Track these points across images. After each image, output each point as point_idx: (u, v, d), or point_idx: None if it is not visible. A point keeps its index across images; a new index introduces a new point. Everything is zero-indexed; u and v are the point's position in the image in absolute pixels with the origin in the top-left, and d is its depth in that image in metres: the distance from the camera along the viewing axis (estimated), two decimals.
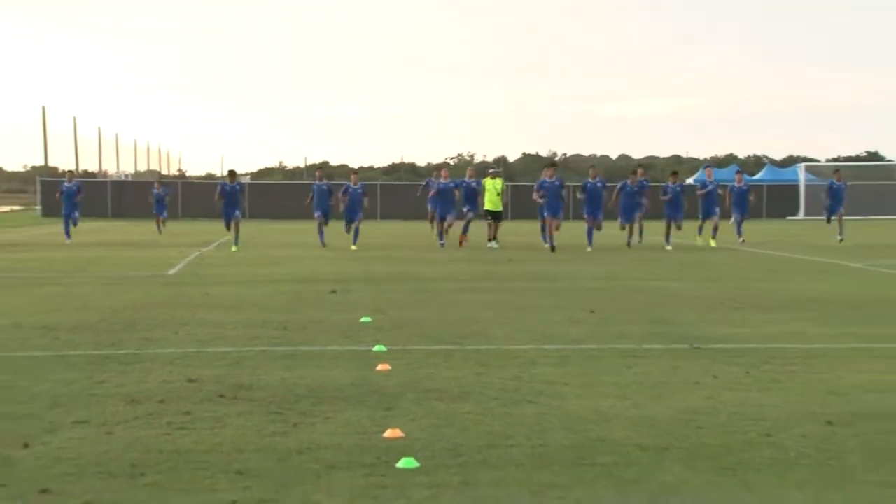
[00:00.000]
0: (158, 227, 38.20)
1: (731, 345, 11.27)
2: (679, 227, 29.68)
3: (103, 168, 67.16)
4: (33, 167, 63.29)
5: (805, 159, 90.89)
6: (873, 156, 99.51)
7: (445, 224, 29.41)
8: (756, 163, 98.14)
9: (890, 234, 38.02)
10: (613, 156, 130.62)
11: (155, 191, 39.28)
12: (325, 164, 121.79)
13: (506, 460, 6.60)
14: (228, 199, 28.35)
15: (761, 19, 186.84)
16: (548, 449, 6.87)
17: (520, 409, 8.07)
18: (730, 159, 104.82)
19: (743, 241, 30.94)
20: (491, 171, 31.30)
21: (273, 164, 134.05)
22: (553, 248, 26.68)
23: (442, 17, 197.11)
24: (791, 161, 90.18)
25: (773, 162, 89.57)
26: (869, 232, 39.41)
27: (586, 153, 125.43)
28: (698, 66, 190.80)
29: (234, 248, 27.22)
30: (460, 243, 28.99)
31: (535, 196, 27.32)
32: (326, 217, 29.34)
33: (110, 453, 6.79)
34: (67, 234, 32.17)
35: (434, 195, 30.07)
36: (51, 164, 61.75)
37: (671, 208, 29.47)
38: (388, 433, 7.23)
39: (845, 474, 6.32)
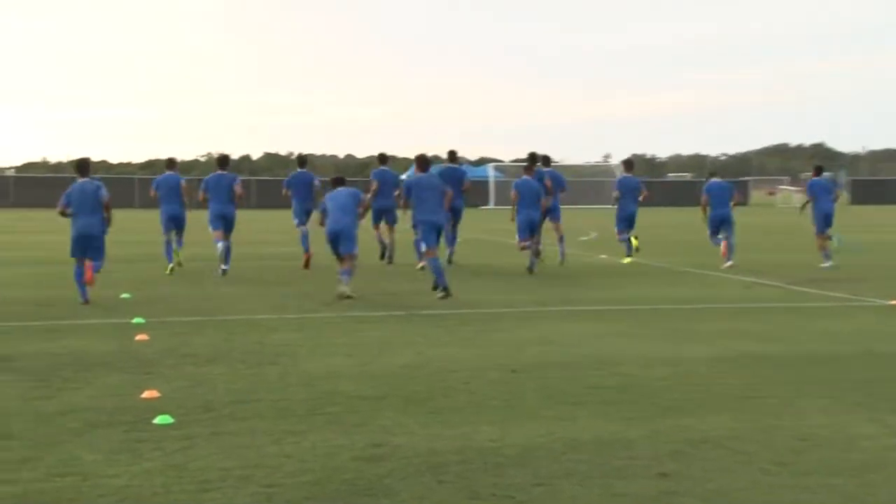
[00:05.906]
0: None
1: (438, 311, 11.50)
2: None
3: None
4: None
5: (493, 160, 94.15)
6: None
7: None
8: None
9: None
10: (341, 155, 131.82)
11: None
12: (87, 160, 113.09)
13: (251, 413, 6.43)
14: None
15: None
16: (287, 402, 6.74)
17: (263, 370, 7.89)
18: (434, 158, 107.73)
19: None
20: None
21: (37, 159, 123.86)
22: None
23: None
24: (482, 161, 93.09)
25: (469, 162, 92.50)
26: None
27: (318, 153, 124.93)
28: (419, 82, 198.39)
29: None
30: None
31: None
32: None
33: None
34: None
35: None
36: None
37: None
38: (146, 394, 6.86)
39: (525, 411, 6.57)
